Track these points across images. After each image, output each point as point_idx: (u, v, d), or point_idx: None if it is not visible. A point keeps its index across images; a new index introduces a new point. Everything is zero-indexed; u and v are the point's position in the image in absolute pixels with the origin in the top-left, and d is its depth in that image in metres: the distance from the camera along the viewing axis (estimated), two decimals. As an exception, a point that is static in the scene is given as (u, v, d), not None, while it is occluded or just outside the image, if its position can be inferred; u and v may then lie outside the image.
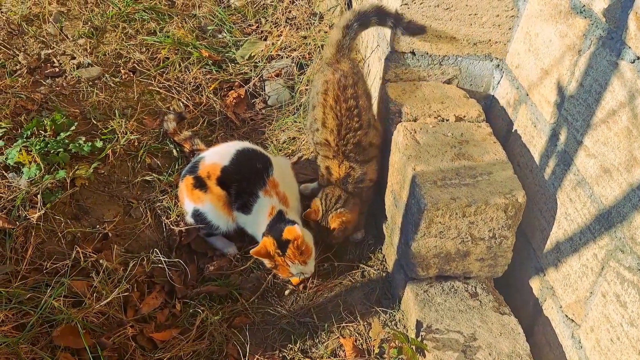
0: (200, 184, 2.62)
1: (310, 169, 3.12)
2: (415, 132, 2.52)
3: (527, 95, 2.45)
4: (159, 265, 2.52)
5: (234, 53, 3.73)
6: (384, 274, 2.63)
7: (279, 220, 2.49)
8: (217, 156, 2.68)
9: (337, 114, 2.50)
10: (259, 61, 3.66)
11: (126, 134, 2.93)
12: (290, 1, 4.12)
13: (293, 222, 2.46)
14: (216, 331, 2.34)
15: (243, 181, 2.60)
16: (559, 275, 2.18)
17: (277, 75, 3.59)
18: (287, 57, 3.66)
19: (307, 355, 2.31)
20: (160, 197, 2.81)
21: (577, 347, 2.07)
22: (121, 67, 3.36)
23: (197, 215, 2.65)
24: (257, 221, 2.55)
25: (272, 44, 3.73)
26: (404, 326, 2.39)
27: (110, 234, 2.55)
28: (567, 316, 2.13)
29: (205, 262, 2.68)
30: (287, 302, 2.56)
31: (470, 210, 2.18)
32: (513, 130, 2.63)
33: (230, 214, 2.64)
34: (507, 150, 2.43)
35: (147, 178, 2.86)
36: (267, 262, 2.47)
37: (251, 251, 2.40)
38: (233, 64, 3.68)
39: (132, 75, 3.36)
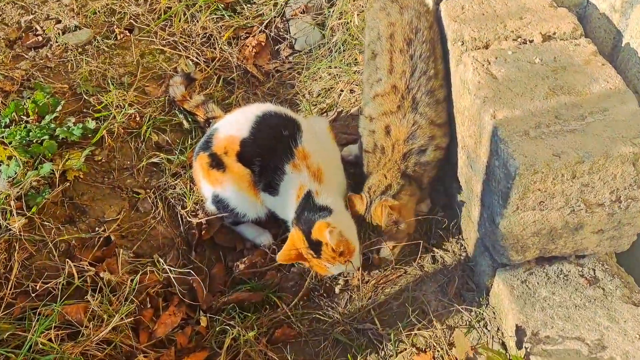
0: (216, 162, 2.10)
1: (353, 127, 2.53)
2: (490, 64, 1.89)
3: (650, -9, 1.75)
4: (177, 269, 2.05)
5: (249, -7, 3.13)
6: (462, 258, 2.07)
7: (307, 206, 1.95)
8: (233, 126, 2.15)
9: (409, 57, 2.03)
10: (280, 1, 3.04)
11: (123, 107, 2.43)
12: None
13: (324, 210, 1.92)
14: (253, 351, 1.87)
15: (267, 154, 2.06)
16: None
17: (302, 12, 2.97)
18: (314, -13, 3.03)
19: (371, 375, 1.81)
20: (172, 183, 2.32)
21: None
22: (115, 26, 2.83)
23: (218, 201, 2.14)
24: (286, 204, 2.02)
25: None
26: (497, 329, 1.83)
27: (113, 237, 2.09)
28: None
29: (234, 259, 2.19)
30: (340, 302, 2.04)
31: (583, 168, 1.56)
32: (623, 45, 1.99)
33: (258, 196, 2.12)
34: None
35: (155, 160, 2.37)
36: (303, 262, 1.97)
37: (278, 257, 1.89)
38: (249, 5, 3.08)
39: (128, 34, 2.82)
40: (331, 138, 2.23)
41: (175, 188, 2.30)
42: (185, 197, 2.28)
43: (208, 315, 1.97)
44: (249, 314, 1.98)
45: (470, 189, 1.94)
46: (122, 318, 1.82)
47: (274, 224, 2.25)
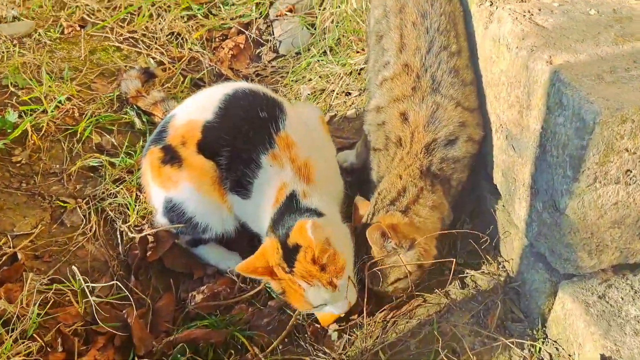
0: (171, 156, 1.64)
1: (349, 130, 2.10)
2: (532, 15, 1.49)
3: None
4: (107, 300, 1.53)
5: (228, -5, 2.78)
6: (502, 278, 1.55)
7: (289, 210, 1.47)
8: (194, 109, 1.70)
9: (425, 30, 1.62)
10: (264, 1, 2.68)
11: (60, 102, 1.99)
12: None
13: (311, 211, 1.45)
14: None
15: (238, 142, 1.60)
16: None
17: (289, 11, 2.61)
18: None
19: None
20: (113, 190, 1.83)
21: None
22: (63, 20, 2.44)
23: (171, 208, 1.65)
24: (260, 210, 1.53)
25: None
26: (567, 369, 1.30)
27: (20, 256, 1.58)
28: None
29: (190, 289, 1.67)
30: (335, 346, 1.51)
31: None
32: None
33: (224, 198, 1.64)
34: None
35: (92, 163, 1.89)
36: (273, 284, 1.45)
37: (237, 266, 1.39)
38: (227, 8, 2.71)
39: (79, 30, 2.43)
40: (324, 130, 1.77)
41: (116, 197, 1.81)
42: (128, 208, 1.79)
43: (147, 361, 1.44)
44: (205, 360, 1.45)
45: (513, 179, 1.46)
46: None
47: (246, 246, 1.75)
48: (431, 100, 1.56)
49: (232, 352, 1.49)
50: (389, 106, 1.62)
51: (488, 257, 1.59)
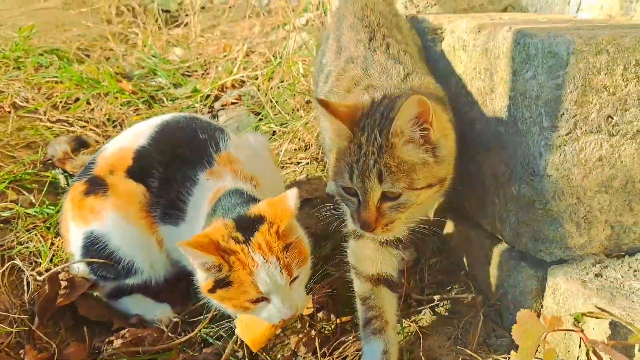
0: (95, 186, 1.48)
1: (304, 189, 2.00)
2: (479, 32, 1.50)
3: None
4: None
5: (172, 91, 2.79)
6: (478, 301, 1.36)
7: (236, 198, 1.32)
8: (127, 138, 1.58)
9: (367, 24, 1.52)
10: (209, 93, 2.71)
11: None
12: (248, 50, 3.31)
13: None
14: None
15: (172, 162, 1.47)
16: None
17: (235, 101, 2.62)
18: (250, 81, 2.73)
19: None
20: (24, 238, 1.61)
21: None
22: (-10, 102, 2.37)
23: (92, 244, 1.45)
24: (194, 229, 1.35)
25: (230, 72, 2.82)
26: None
27: None
28: None
29: (107, 338, 1.40)
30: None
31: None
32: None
33: (154, 229, 1.46)
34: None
35: (4, 214, 1.69)
36: (204, 270, 1.20)
37: (178, 242, 1.15)
38: (172, 103, 2.71)
39: (7, 111, 2.34)
40: (271, 157, 1.69)
41: (28, 245, 1.59)
42: (41, 256, 1.57)
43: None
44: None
45: (482, 184, 1.36)
46: None
47: (181, 297, 1.53)
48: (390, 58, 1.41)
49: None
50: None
51: (460, 282, 1.42)
